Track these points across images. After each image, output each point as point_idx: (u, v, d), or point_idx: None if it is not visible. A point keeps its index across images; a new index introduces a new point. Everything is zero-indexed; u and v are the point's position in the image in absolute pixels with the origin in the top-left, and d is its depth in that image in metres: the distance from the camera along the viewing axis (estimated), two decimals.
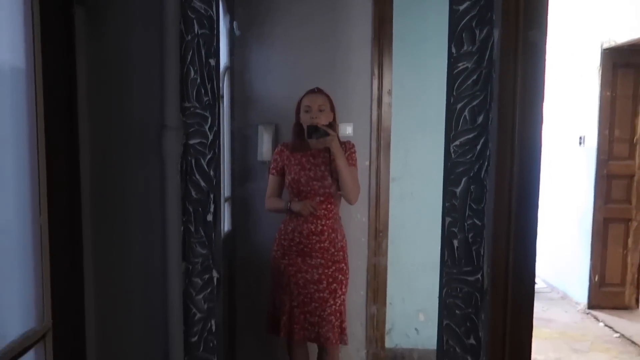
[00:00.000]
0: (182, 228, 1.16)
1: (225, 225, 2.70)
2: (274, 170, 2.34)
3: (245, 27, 2.78)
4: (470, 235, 1.17)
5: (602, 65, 3.81)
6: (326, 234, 2.23)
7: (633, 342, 3.35)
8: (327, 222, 2.24)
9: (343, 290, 2.24)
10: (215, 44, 1.14)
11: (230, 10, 2.69)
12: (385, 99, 2.86)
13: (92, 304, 1.15)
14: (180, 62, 1.13)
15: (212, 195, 1.17)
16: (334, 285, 2.21)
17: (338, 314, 2.22)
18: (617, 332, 3.56)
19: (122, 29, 1.13)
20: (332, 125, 2.25)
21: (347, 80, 2.90)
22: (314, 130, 2.12)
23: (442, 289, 1.19)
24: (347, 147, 2.28)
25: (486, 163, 1.16)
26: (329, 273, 2.22)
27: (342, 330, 2.24)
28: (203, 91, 1.15)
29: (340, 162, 2.14)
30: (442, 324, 1.19)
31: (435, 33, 3.05)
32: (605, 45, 3.79)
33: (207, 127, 1.15)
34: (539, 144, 1.13)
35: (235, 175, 2.86)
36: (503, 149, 1.13)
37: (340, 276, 2.23)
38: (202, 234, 1.17)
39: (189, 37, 1.13)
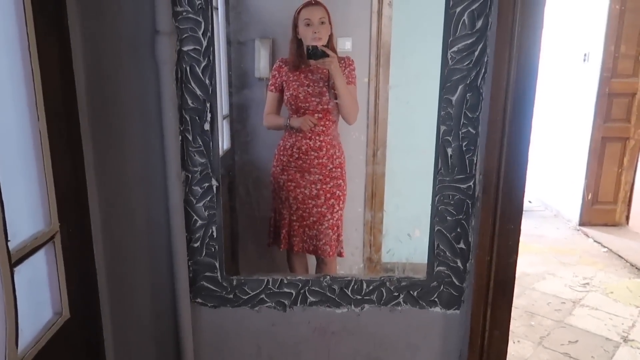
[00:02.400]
0: (180, 137, 1.18)
1: (224, 143, 2.73)
2: (273, 87, 2.32)
3: None
4: (464, 144, 1.19)
5: None
6: (324, 149, 2.27)
7: (619, 256, 3.48)
8: (326, 138, 2.26)
9: (340, 205, 2.32)
10: None
11: None
12: (385, 11, 2.76)
13: (97, 208, 1.19)
14: None
15: (208, 104, 1.17)
16: (332, 200, 2.28)
17: (335, 228, 2.31)
18: (605, 247, 3.69)
19: None
20: (330, 40, 2.22)
21: None
22: (314, 51, 2.10)
23: (435, 196, 1.22)
24: (346, 63, 2.25)
25: (483, 70, 1.14)
26: (327, 189, 2.28)
27: (339, 243, 2.34)
28: None
29: (339, 82, 2.13)
30: (433, 229, 1.24)
31: None
32: None
33: (200, 33, 1.13)
34: (538, 50, 1.11)
35: (232, 92, 2.83)
36: (501, 55, 1.11)
37: (338, 192, 2.30)
38: (200, 142, 1.19)
39: None
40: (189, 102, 1.17)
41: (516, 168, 1.17)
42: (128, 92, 1.15)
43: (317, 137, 2.26)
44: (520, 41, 1.10)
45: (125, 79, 1.15)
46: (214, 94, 1.16)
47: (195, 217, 1.24)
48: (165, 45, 1.11)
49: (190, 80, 1.15)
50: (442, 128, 1.19)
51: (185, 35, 1.13)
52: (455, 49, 1.14)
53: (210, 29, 1.13)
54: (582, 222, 4.08)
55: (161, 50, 1.11)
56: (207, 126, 1.18)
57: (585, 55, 3.97)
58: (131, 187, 1.20)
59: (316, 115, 2.24)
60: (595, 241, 3.81)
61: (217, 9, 2.57)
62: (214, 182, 1.21)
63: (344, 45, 2.79)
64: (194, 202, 1.23)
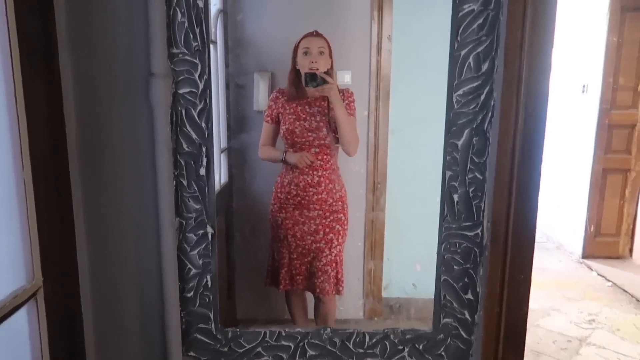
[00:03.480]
0: (174, 182, 1.12)
1: (222, 176, 2.68)
2: (269, 118, 2.27)
3: None
4: (471, 190, 1.14)
5: (610, 8, 3.66)
6: (323, 185, 2.20)
7: (624, 291, 3.41)
8: (324, 173, 2.19)
9: (339, 240, 2.23)
10: None
11: None
12: (385, 45, 2.75)
13: (85, 259, 1.12)
14: (166, 3, 1.05)
15: (204, 148, 1.12)
16: (330, 235, 2.20)
17: (334, 264, 2.23)
18: (609, 280, 3.62)
19: None
20: (330, 72, 2.17)
21: (346, 24, 2.78)
22: (312, 77, 2.04)
23: (441, 244, 1.17)
24: (346, 95, 2.19)
25: (490, 114, 1.10)
26: (326, 223, 2.20)
27: (338, 281, 2.26)
28: (192, 36, 1.07)
29: (339, 111, 2.07)
30: (439, 279, 1.18)
31: None
32: None
33: (197, 75, 1.09)
34: (546, 94, 1.08)
35: (230, 125, 2.79)
36: (508, 99, 1.08)
37: (337, 226, 2.22)
38: (195, 188, 1.13)
39: None
40: (184, 146, 1.12)
41: (526, 215, 1.11)
42: (121, 135, 1.10)
43: (315, 173, 2.18)
44: (528, 84, 1.07)
45: (118, 123, 1.10)
46: (210, 137, 1.11)
47: (189, 265, 1.17)
48: (160, 87, 1.07)
49: (185, 124, 1.11)
50: (448, 173, 1.14)
51: (181, 77, 1.09)
52: (460, 92, 1.10)
53: (207, 72, 1.09)
54: (585, 255, 4.01)
55: (156, 93, 1.07)
56: (202, 171, 1.13)
57: (584, 86, 3.97)
58: (122, 235, 1.14)
59: (313, 150, 2.16)
60: (599, 274, 3.74)
61: (216, 42, 2.56)
62: (209, 229, 1.16)
63: (343, 78, 2.76)
64: (188, 250, 1.16)
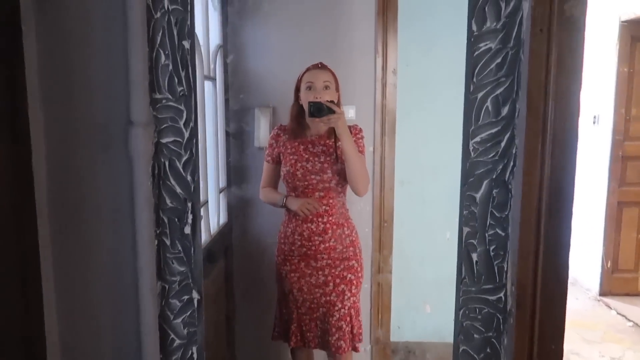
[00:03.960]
0: (156, 242, 1.00)
1: (221, 217, 2.55)
2: (269, 158, 2.09)
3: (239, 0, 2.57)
4: (491, 248, 1.00)
5: (620, 38, 3.58)
6: (330, 232, 1.97)
7: None
8: (331, 219, 1.97)
9: (353, 291, 2.00)
10: (189, 22, 0.95)
11: None
12: (389, 79, 2.66)
13: (55, 333, 0.99)
14: (149, 44, 0.94)
15: (189, 204, 1.00)
16: (342, 286, 1.97)
17: (348, 318, 1.99)
18: (630, 320, 3.43)
19: (78, 6, 0.94)
20: (338, 105, 1.97)
21: (349, 58, 2.69)
22: (317, 107, 1.82)
23: (459, 310, 1.02)
24: (354, 131, 1.99)
25: (512, 163, 0.98)
26: (336, 273, 1.97)
27: (355, 336, 2.00)
28: (176, 80, 0.96)
29: (348, 145, 1.83)
30: (457, 349, 1.03)
31: (445, 6, 2.83)
32: (624, 18, 3.56)
33: (182, 123, 0.97)
34: (575, 141, 0.95)
35: (230, 163, 2.69)
36: (532, 146, 0.95)
37: (349, 275, 1.98)
38: (180, 248, 1.01)
39: (158, 14, 0.94)
40: (168, 201, 1.00)
41: (555, 277, 0.98)
42: (96, 191, 0.98)
43: (321, 220, 1.95)
44: (554, 130, 0.94)
45: (93, 177, 0.98)
46: (197, 191, 0.99)
47: (173, 335, 1.03)
48: (141, 137, 0.95)
49: (169, 177, 0.99)
50: (466, 230, 1.01)
51: (165, 125, 0.98)
52: (478, 139, 0.98)
53: (193, 119, 0.97)
54: (603, 292, 3.83)
55: (136, 143, 0.96)
56: (187, 229, 1.00)
57: (595, 117, 3.86)
58: (97, 303, 1.01)
59: (317, 194, 1.94)
60: (618, 313, 3.55)
61: (215, 78, 2.47)
62: (195, 295, 1.02)
63: (348, 113, 2.65)
64: (171, 318, 1.03)
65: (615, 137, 3.64)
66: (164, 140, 0.98)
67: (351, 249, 2.01)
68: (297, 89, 2.01)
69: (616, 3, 3.60)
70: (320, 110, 1.82)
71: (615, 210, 3.72)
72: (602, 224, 3.76)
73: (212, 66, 2.37)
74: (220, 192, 2.53)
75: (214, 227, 2.40)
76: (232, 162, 2.69)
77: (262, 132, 2.66)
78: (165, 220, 1.00)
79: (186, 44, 0.96)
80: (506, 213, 0.99)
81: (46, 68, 0.94)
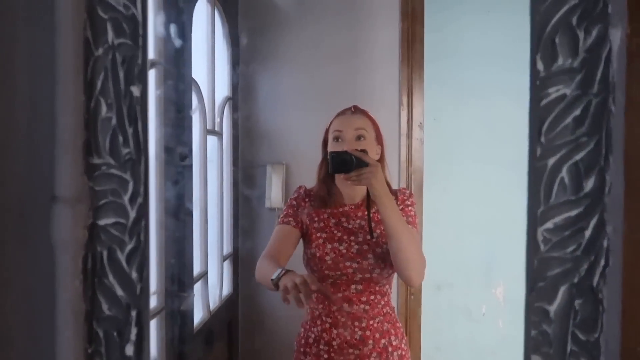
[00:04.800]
0: None
1: (225, 288, 2.25)
2: (289, 219, 1.53)
3: (250, 45, 2.38)
4: None
5: None
6: (371, 342, 1.42)
7: None
8: (373, 323, 1.43)
9: None
10: (141, 60, 0.69)
11: (230, 20, 2.29)
12: (415, 133, 2.39)
13: None
14: (85, 91, 0.69)
15: (134, 312, 0.70)
16: None
17: None
18: None
19: None
20: (379, 163, 1.51)
21: (371, 111, 2.44)
22: (341, 158, 1.35)
23: None
24: (401, 196, 1.53)
25: (602, 261, 0.67)
26: None
27: None
28: (121, 139, 0.70)
29: (390, 214, 1.33)
30: None
31: (476, 54, 2.60)
32: None
33: (126, 198, 0.70)
34: None
35: (238, 225, 2.41)
36: (633, 236, 0.65)
37: None
38: None
39: (100, 50, 0.69)
40: (104, 307, 0.71)
41: None
42: (7, 292, 0.70)
43: (358, 324, 1.41)
44: None
45: (3, 271, 0.70)
46: (145, 294, 0.70)
47: None
48: (68, 217, 0.68)
49: (107, 273, 0.70)
50: (535, 358, 0.68)
51: (104, 201, 0.70)
52: (550, 225, 0.67)
53: (142, 192, 0.70)
54: None
55: (61, 225, 0.68)
56: (130, 349, 0.70)
57: None
58: None
59: (354, 287, 1.42)
60: None
61: (222, 133, 2.25)
62: None
63: None
64: None
65: None
66: (101, 222, 0.70)
67: None
68: (325, 142, 1.57)
69: None
70: (344, 162, 1.34)
71: None
72: None
73: (217, 119, 2.15)
74: (224, 259, 2.24)
75: (214, 302, 2.09)
76: (239, 225, 2.42)
77: (274, 192, 2.39)
78: (101, 334, 0.71)
79: (136, 91, 0.70)
80: (596, 335, 0.67)
81: None
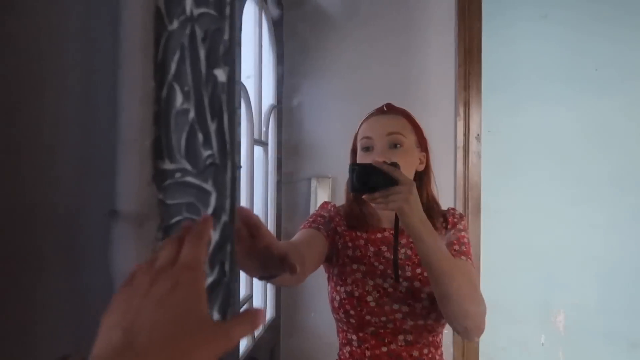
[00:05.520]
0: None
1: (268, 311, 2.07)
2: (318, 225, 1.18)
3: (296, 53, 2.24)
4: None
5: None
6: None
7: None
8: None
9: None
10: (228, 36, 0.53)
11: (275, 23, 2.15)
12: (473, 146, 2.20)
13: None
14: (155, 75, 0.53)
15: None
16: None
17: None
18: None
19: (36, 9, 0.54)
20: (423, 176, 1.20)
21: (424, 122, 2.25)
22: (364, 173, 1.00)
23: None
24: (450, 219, 1.19)
25: None
26: None
27: None
28: (201, 137, 0.53)
29: (427, 247, 0.94)
30: None
31: (536, 62, 2.42)
32: None
33: (210, 210, 0.54)
34: None
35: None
36: None
37: None
38: None
39: (175, 24, 0.53)
40: None
41: None
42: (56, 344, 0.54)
43: None
44: None
45: (49, 312, 0.54)
46: None
47: None
48: (130, 239, 0.52)
49: None
50: None
51: (177, 218, 0.53)
52: None
53: (229, 208, 0.53)
54: None
55: (120, 250, 0.52)
56: None
57: None
58: None
59: (402, 338, 1.10)
60: None
61: (267, 143, 2.10)
62: None
63: None
64: None
65: None
66: None
67: None
68: (354, 151, 1.23)
69: None
70: (367, 179, 0.98)
71: None
72: None
73: (264, 129, 2.00)
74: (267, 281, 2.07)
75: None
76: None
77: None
78: None
79: (221, 75, 0.53)
80: None
81: None
